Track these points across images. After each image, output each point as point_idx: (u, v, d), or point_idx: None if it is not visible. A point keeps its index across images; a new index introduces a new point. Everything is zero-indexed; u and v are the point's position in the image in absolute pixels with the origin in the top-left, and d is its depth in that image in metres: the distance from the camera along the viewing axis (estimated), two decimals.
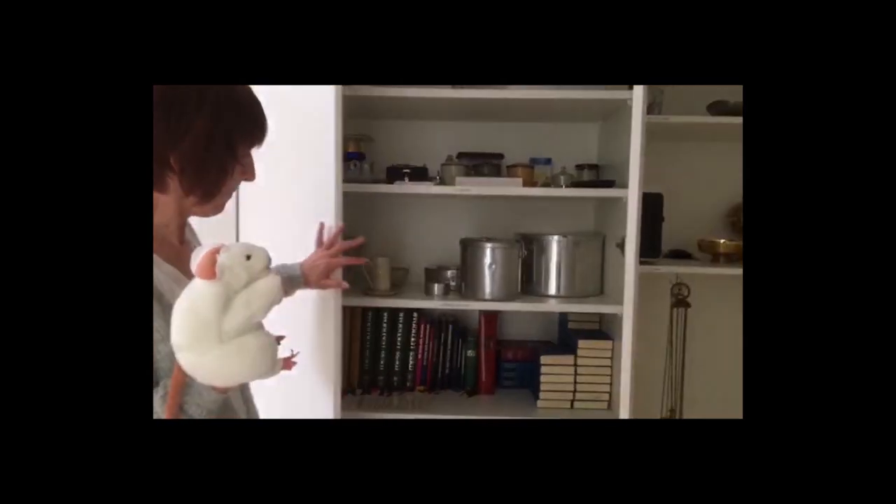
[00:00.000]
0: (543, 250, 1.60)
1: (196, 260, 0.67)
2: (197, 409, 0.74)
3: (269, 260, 0.72)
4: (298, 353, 0.79)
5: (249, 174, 0.86)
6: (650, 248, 1.51)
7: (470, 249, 1.55)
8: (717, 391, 1.92)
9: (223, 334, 0.67)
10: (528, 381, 1.72)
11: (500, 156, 1.71)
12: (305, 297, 1.35)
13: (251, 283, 0.69)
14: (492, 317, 1.70)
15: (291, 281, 1.18)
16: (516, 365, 1.74)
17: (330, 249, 1.26)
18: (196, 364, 0.68)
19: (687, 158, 1.84)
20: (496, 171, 1.70)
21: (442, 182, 1.57)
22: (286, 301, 0.77)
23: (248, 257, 0.70)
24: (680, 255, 1.78)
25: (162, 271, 0.79)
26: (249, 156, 0.86)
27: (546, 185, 1.70)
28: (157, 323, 0.73)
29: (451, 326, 1.73)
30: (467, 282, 1.56)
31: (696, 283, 1.79)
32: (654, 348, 1.81)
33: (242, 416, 0.91)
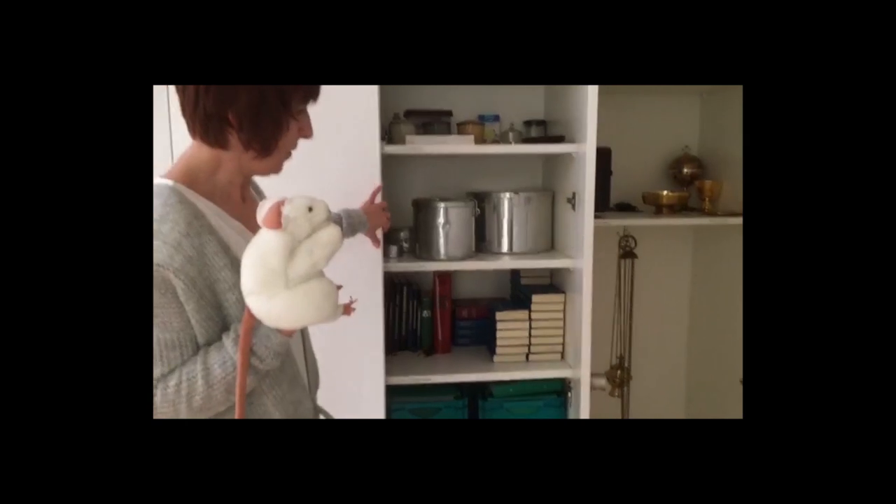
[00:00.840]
0: (495, 208, 1.60)
1: (262, 212, 0.72)
2: (265, 351, 0.78)
3: (330, 212, 0.76)
4: (357, 300, 0.84)
5: (306, 131, 0.89)
6: (600, 201, 1.53)
7: (423, 210, 1.52)
8: (664, 338, 2.02)
9: (289, 281, 0.73)
10: (484, 338, 1.74)
11: (449, 113, 1.68)
12: None
13: (313, 234, 0.74)
14: (446, 277, 1.70)
15: (357, 227, 1.27)
16: (472, 323, 1.76)
17: (379, 205, 1.35)
18: (265, 308, 0.73)
19: (628, 113, 1.87)
20: (446, 129, 1.67)
21: (391, 141, 1.53)
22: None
23: (310, 209, 0.74)
24: (625, 208, 1.83)
25: (229, 225, 0.84)
26: (304, 112, 0.88)
27: (495, 142, 1.68)
28: (224, 274, 0.79)
29: (405, 288, 1.72)
30: (421, 242, 1.54)
31: (641, 234, 1.85)
32: (603, 299, 1.87)
33: (300, 364, 0.94)
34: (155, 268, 0.73)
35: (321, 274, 0.77)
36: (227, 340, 0.78)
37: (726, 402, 1.78)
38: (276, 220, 0.72)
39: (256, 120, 0.81)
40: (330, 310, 0.77)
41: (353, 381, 1.46)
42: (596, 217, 1.49)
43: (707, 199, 1.73)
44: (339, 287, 0.80)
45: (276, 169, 0.90)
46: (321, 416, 1.01)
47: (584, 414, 1.51)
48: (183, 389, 0.76)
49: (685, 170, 1.84)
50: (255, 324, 0.76)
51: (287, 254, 0.73)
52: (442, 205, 1.50)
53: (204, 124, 0.80)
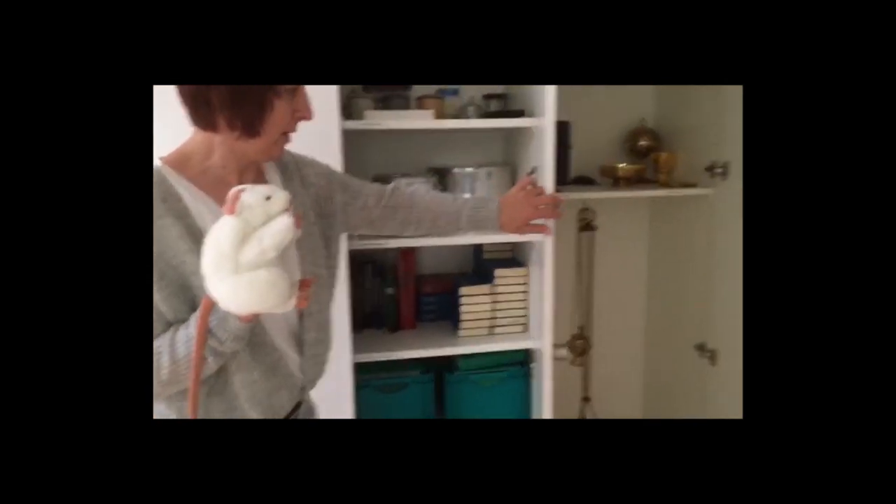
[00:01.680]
0: (457, 183, 1.60)
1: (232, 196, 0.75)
2: (223, 334, 0.79)
3: (289, 202, 0.77)
4: (314, 283, 0.85)
5: (303, 112, 0.88)
6: (559, 175, 1.55)
7: None
8: (623, 308, 2.08)
9: (238, 266, 0.73)
10: (448, 313, 1.75)
11: (408, 87, 1.66)
12: None
13: (268, 222, 0.75)
14: (409, 253, 1.69)
15: (481, 221, 1.23)
16: (435, 298, 1.77)
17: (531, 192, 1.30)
18: (215, 291, 0.74)
19: (586, 87, 1.89)
20: (405, 104, 1.65)
21: (349, 117, 1.50)
22: None
23: (268, 198, 0.75)
24: (584, 182, 1.86)
25: (209, 210, 0.83)
26: (298, 92, 0.87)
27: (455, 116, 1.67)
28: (188, 258, 0.80)
29: (369, 266, 1.71)
30: None
31: (600, 207, 1.88)
32: (564, 271, 1.91)
33: (290, 354, 0.94)
34: None
35: (274, 262, 0.76)
36: (192, 320, 0.79)
37: (683, 369, 1.85)
38: (231, 206, 0.73)
39: (237, 99, 0.80)
40: (275, 300, 0.76)
41: None
42: (558, 191, 1.51)
43: (663, 171, 1.77)
44: (306, 282, 0.81)
45: (272, 151, 0.88)
46: (301, 410, 0.99)
47: (547, 384, 1.55)
48: (152, 363, 0.78)
49: (641, 142, 1.88)
50: (212, 305, 0.77)
51: (238, 239, 0.73)
52: (402, 181, 1.49)
53: (192, 107, 0.81)
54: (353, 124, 1.43)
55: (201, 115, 0.81)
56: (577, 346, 1.90)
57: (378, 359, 1.55)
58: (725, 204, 1.59)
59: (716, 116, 1.60)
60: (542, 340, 1.54)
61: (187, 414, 0.81)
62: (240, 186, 0.75)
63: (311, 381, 1.01)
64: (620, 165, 1.76)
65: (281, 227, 0.76)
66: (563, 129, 1.57)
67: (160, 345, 0.80)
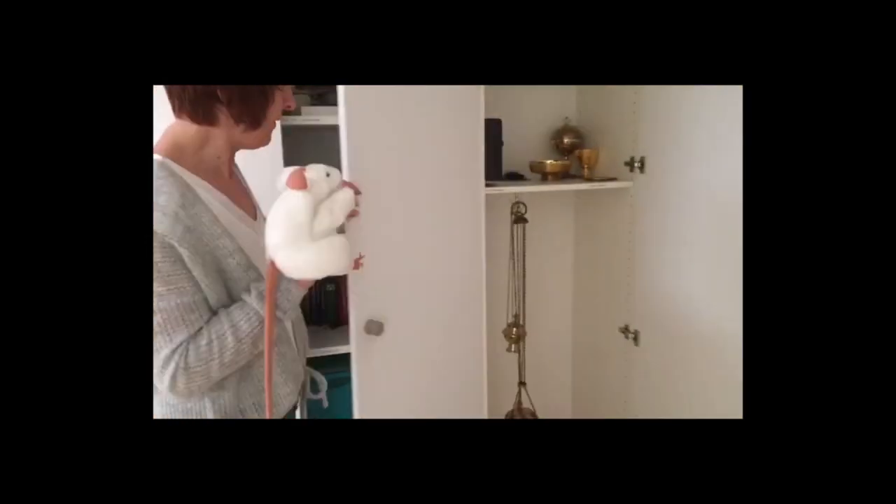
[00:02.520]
0: None
1: (284, 177, 0.81)
2: (287, 304, 0.85)
3: (341, 177, 0.87)
4: (364, 256, 0.98)
5: (290, 101, 0.93)
6: (493, 171, 1.62)
7: None
8: (553, 294, 2.19)
9: (313, 235, 0.82)
10: None
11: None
12: None
13: (331, 195, 0.85)
14: None
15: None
16: None
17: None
18: (293, 260, 0.81)
19: (515, 86, 1.98)
20: None
21: (287, 112, 1.51)
22: None
23: (328, 174, 0.84)
24: (515, 177, 1.95)
25: (215, 199, 0.86)
26: (285, 85, 0.92)
27: None
28: (222, 241, 0.82)
29: None
30: None
31: (530, 200, 1.98)
32: (497, 263, 1.99)
33: (290, 329, 1.00)
34: (161, 238, 0.75)
35: (336, 231, 0.87)
36: (250, 297, 0.83)
37: (609, 350, 1.99)
38: (302, 183, 0.81)
39: (245, 94, 0.84)
40: (346, 261, 0.86)
41: None
42: (489, 185, 1.58)
43: (586, 166, 1.89)
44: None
45: (266, 140, 0.92)
46: (310, 378, 1.08)
47: (483, 370, 1.62)
48: (214, 347, 0.80)
49: (566, 140, 1.99)
50: (278, 276, 0.83)
51: (312, 211, 0.82)
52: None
53: (193, 103, 0.83)
54: (289, 120, 1.44)
55: (204, 110, 0.84)
56: (513, 333, 1.99)
57: (320, 354, 1.56)
58: (644, 195, 1.72)
59: (632, 115, 1.73)
60: (479, 332, 1.61)
61: (227, 408, 0.84)
62: (296, 166, 0.83)
63: (303, 355, 1.07)
64: (548, 161, 1.86)
65: (347, 198, 0.87)
66: (495, 127, 1.65)
67: (220, 329, 0.80)
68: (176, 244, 0.76)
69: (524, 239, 1.95)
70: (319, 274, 0.84)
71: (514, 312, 2.00)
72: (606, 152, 1.89)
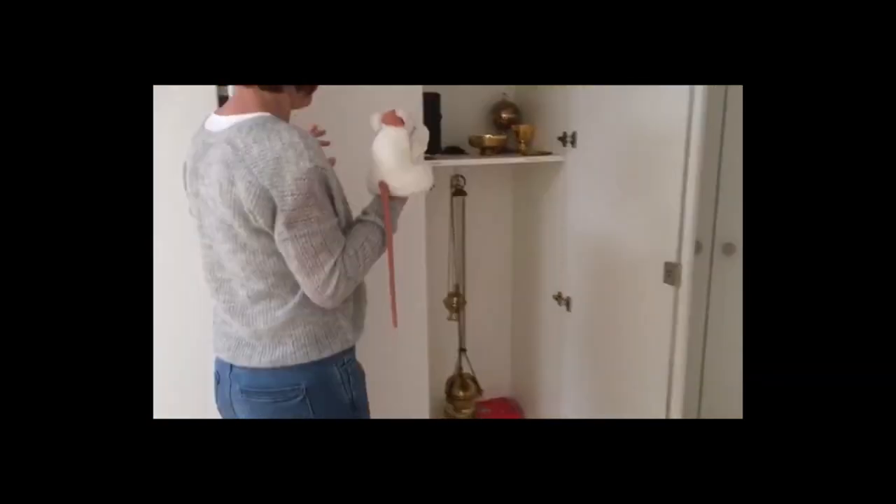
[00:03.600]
0: None
1: (377, 117, 1.03)
2: (396, 217, 1.05)
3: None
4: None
5: None
6: (432, 144, 1.67)
7: None
8: (492, 264, 2.28)
9: (413, 160, 1.04)
10: None
11: None
12: None
13: (415, 130, 1.04)
14: None
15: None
16: None
17: None
18: (402, 179, 1.02)
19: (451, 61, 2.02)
20: None
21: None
22: None
23: (410, 115, 1.04)
24: (455, 151, 2.00)
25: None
26: None
27: None
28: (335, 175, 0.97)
29: None
30: None
31: (469, 173, 2.04)
32: (438, 235, 2.06)
33: None
34: (320, 170, 0.88)
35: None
36: (370, 216, 1.02)
37: (544, 316, 2.10)
38: (400, 121, 1.01)
39: None
40: (431, 179, 1.08)
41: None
42: (428, 158, 1.63)
43: (522, 141, 1.96)
44: None
45: (308, 101, 1.06)
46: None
47: (425, 337, 1.69)
48: (359, 256, 0.96)
49: (503, 115, 2.06)
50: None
51: (409, 142, 1.02)
52: None
53: None
54: None
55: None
56: (454, 302, 2.07)
57: None
58: (575, 169, 1.82)
59: (563, 92, 1.81)
60: (421, 301, 1.67)
61: (352, 317, 1.04)
62: (387, 109, 1.03)
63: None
64: (486, 136, 1.92)
65: (426, 132, 1.08)
66: (434, 101, 1.69)
67: (357, 242, 0.97)
68: (328, 174, 0.91)
69: (463, 211, 2.02)
70: (420, 189, 1.05)
71: (454, 283, 2.08)
72: (541, 128, 1.97)
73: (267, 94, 0.95)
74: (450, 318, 2.08)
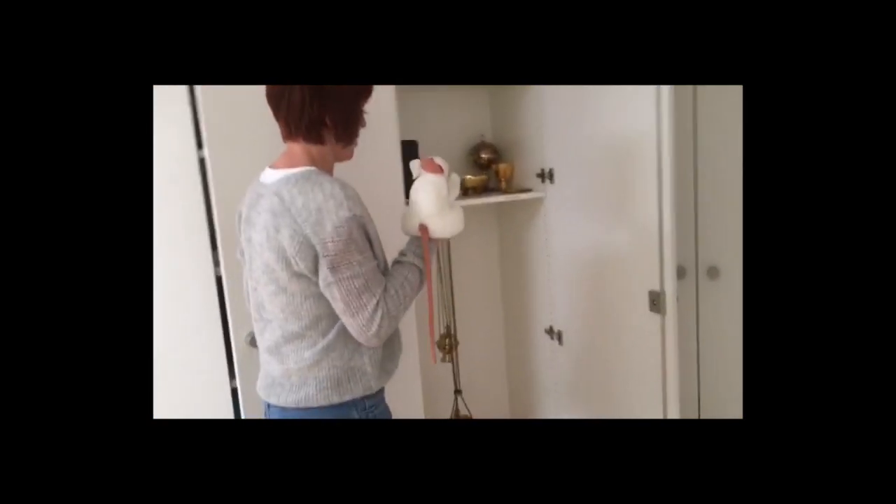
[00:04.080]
0: None
1: (417, 165, 1.13)
2: (433, 257, 1.12)
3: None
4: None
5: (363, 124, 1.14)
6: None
7: None
8: (483, 303, 2.29)
9: (450, 205, 1.12)
10: None
11: None
12: None
13: (451, 178, 1.15)
14: None
15: None
16: None
17: None
18: (440, 223, 1.10)
19: (429, 108, 2.08)
20: None
21: None
22: None
23: (446, 162, 1.14)
24: None
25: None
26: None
27: None
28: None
29: None
30: None
31: None
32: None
33: None
34: (359, 218, 0.97)
35: None
36: (408, 257, 1.09)
37: (537, 350, 2.09)
38: (440, 168, 1.11)
39: (345, 119, 1.06)
40: (463, 223, 1.15)
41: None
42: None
43: (503, 179, 2.00)
44: None
45: (351, 156, 1.15)
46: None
47: (418, 381, 1.68)
48: (399, 295, 1.02)
49: (483, 155, 2.10)
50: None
51: (446, 189, 1.11)
52: None
53: (308, 128, 1.03)
54: None
55: (316, 133, 1.04)
56: (446, 343, 2.06)
57: None
58: (555, 204, 1.85)
59: (538, 129, 1.86)
60: (412, 345, 1.67)
61: (379, 362, 1.06)
62: (426, 157, 1.13)
63: None
64: (468, 177, 1.96)
65: (458, 179, 1.16)
66: (411, 148, 1.73)
67: (397, 282, 1.03)
68: (367, 222, 0.99)
69: (450, 252, 2.04)
70: (456, 232, 1.13)
71: (445, 324, 2.08)
72: (520, 165, 2.01)
73: (313, 149, 1.05)
74: (443, 360, 2.07)
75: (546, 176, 1.85)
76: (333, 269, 0.95)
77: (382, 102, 1.59)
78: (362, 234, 0.97)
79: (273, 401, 1.07)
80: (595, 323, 1.71)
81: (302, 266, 0.95)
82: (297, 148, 1.05)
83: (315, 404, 1.02)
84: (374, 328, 0.98)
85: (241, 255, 1.13)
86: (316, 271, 0.96)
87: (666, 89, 1.27)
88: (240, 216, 1.10)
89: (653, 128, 1.32)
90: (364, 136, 1.59)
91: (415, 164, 1.12)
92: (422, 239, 1.09)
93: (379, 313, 0.98)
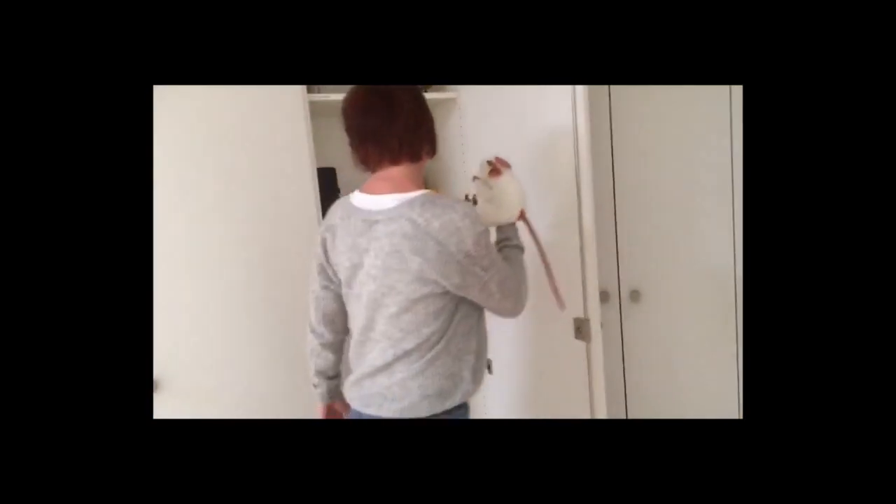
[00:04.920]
0: None
1: (487, 167, 1.26)
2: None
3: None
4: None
5: None
6: None
7: None
8: None
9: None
10: None
11: None
12: None
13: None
14: None
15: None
16: None
17: None
18: (523, 205, 1.28)
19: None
20: None
21: None
22: None
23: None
24: None
25: None
26: None
27: None
28: None
29: None
30: None
31: None
32: None
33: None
34: (486, 229, 1.05)
35: None
36: (514, 241, 1.25)
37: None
38: (507, 164, 1.28)
39: (433, 134, 1.15)
40: None
41: None
42: None
43: None
44: None
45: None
46: None
47: None
48: (523, 272, 1.20)
49: None
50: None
51: None
52: None
53: (413, 146, 1.09)
54: None
55: (419, 150, 1.11)
56: None
57: None
58: None
59: (461, 157, 1.84)
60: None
61: (473, 369, 1.13)
62: (492, 157, 1.27)
63: None
64: None
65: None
66: (329, 175, 1.66)
67: (518, 260, 1.21)
68: (488, 230, 1.07)
69: None
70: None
71: None
72: (443, 192, 1.98)
73: (413, 168, 1.11)
74: None
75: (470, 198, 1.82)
76: (485, 269, 1.05)
77: (296, 131, 1.52)
78: (489, 239, 1.09)
79: (372, 412, 1.11)
80: (522, 352, 1.68)
81: (446, 282, 1.03)
82: (398, 171, 1.09)
83: (420, 414, 1.08)
84: (524, 301, 1.17)
85: (327, 279, 1.21)
86: (460, 284, 1.04)
87: (582, 101, 1.27)
88: (326, 241, 1.17)
89: (569, 146, 1.31)
90: (277, 163, 1.53)
91: (485, 164, 1.25)
92: (526, 220, 1.29)
93: (523, 289, 1.16)
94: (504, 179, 1.24)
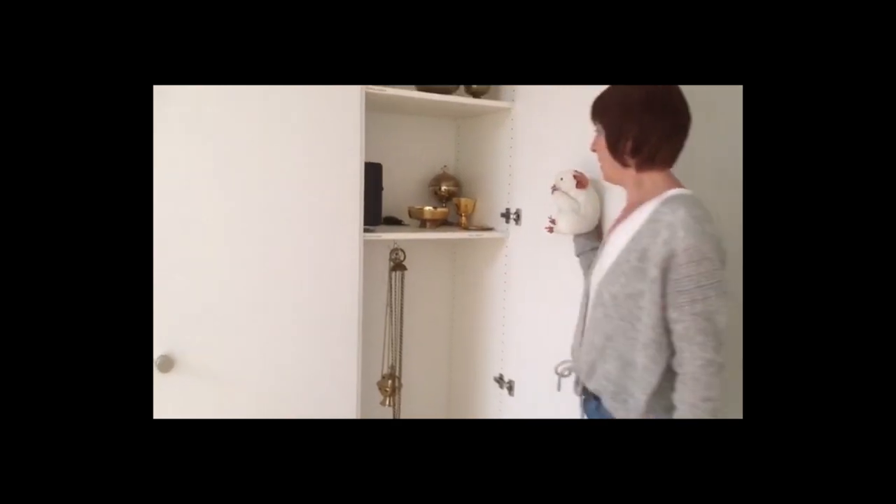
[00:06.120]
0: None
1: (573, 180, 1.35)
2: None
3: None
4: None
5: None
6: (372, 216, 1.57)
7: None
8: (430, 343, 2.14)
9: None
10: None
11: None
12: None
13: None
14: None
15: None
16: None
17: None
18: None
19: (395, 132, 1.96)
20: None
21: None
22: None
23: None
24: (393, 222, 1.90)
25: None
26: None
27: None
28: None
29: None
30: None
31: (409, 247, 1.94)
32: (375, 309, 1.91)
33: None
34: (723, 252, 0.93)
35: None
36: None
37: (483, 398, 1.97)
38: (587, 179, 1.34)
39: (677, 135, 1.07)
40: None
41: None
42: (368, 231, 1.52)
43: (463, 214, 1.90)
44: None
45: None
46: None
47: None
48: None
49: (444, 187, 2.00)
50: None
51: None
52: None
53: (663, 153, 1.06)
54: None
55: (666, 156, 1.07)
56: (388, 385, 1.90)
57: None
58: (518, 247, 1.76)
59: (508, 168, 1.78)
60: (352, 385, 1.51)
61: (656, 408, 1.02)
62: (574, 172, 1.34)
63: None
64: (426, 208, 1.84)
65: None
66: (375, 171, 1.61)
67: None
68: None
69: (402, 286, 1.90)
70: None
71: (390, 363, 1.92)
72: (483, 201, 1.92)
73: (662, 175, 1.09)
74: (383, 404, 1.91)
75: (511, 216, 1.77)
76: None
77: (348, 124, 1.47)
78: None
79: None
80: (550, 377, 1.61)
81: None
82: (651, 180, 1.10)
83: None
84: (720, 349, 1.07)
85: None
86: None
87: None
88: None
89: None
90: (329, 157, 1.47)
91: (569, 178, 1.33)
92: (601, 230, 1.36)
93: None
94: (589, 191, 1.35)
